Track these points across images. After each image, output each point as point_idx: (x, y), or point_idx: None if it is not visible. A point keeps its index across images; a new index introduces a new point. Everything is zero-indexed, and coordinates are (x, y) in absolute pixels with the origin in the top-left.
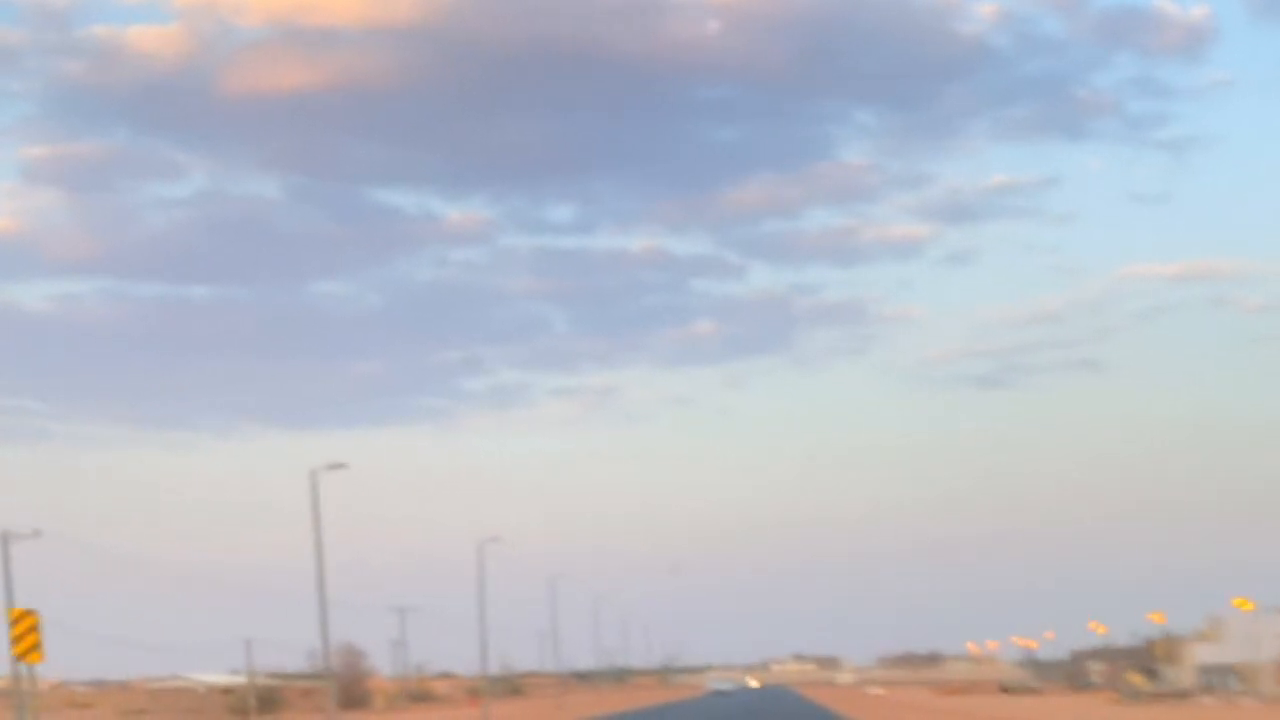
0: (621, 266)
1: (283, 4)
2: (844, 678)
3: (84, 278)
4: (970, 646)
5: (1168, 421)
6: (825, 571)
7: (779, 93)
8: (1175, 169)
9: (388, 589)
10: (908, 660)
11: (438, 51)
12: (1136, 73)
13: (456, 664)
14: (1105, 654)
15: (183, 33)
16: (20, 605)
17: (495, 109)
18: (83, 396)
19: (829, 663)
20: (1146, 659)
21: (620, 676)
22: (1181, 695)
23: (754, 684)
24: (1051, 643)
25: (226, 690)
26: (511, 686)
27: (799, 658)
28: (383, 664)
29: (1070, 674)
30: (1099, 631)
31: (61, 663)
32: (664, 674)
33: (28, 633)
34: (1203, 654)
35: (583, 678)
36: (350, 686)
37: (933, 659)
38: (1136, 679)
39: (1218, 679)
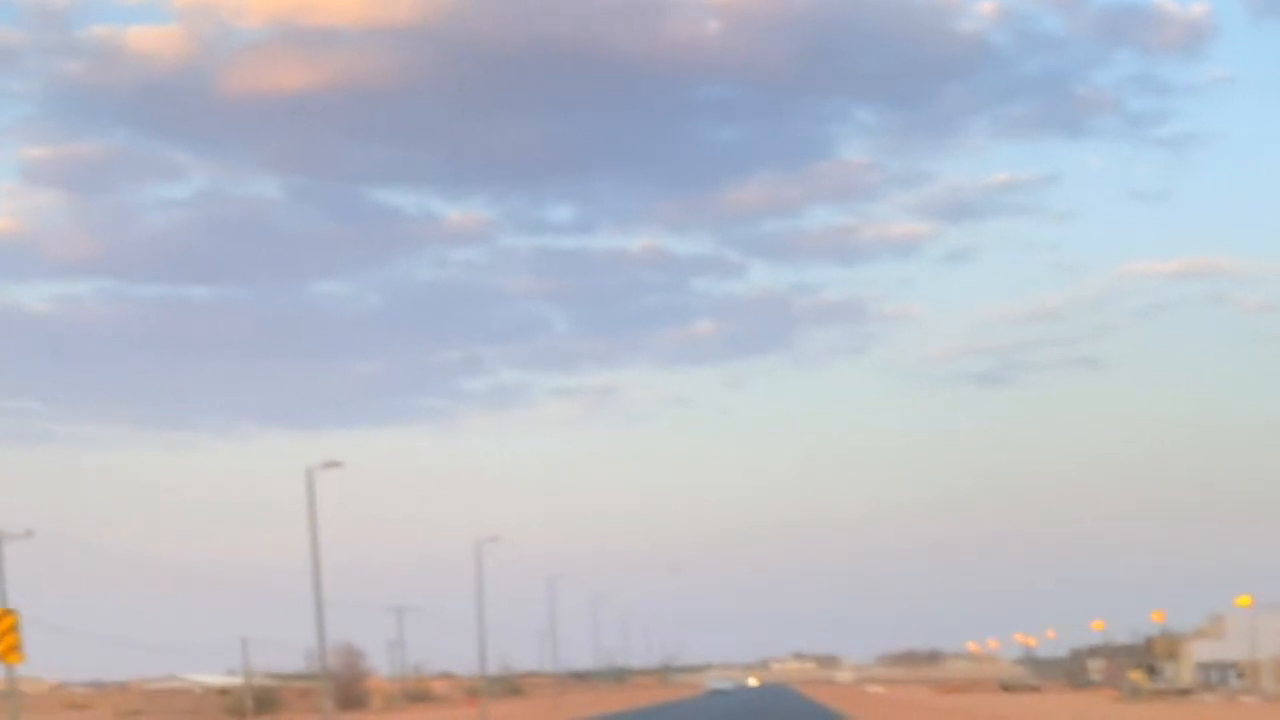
0: (621, 266)
1: (283, 4)
2: (844, 676)
3: (84, 278)
4: (970, 645)
5: (1168, 421)
6: (825, 571)
7: (779, 92)
8: (1175, 166)
9: (387, 589)
10: (908, 659)
11: (438, 51)
12: (1136, 70)
13: (455, 664)
14: (1105, 652)
15: (183, 33)
16: (17, 605)
17: (495, 109)
18: (83, 397)
19: (829, 661)
20: (1147, 657)
21: (619, 676)
22: (1182, 693)
23: (754, 683)
24: (1052, 641)
25: (223, 691)
26: (510, 686)
27: (799, 656)
28: (381, 664)
29: (1071, 672)
30: (1099, 629)
31: (61, 664)
32: (663, 674)
33: (8, 632)
34: (1203, 651)
35: (582, 678)
36: (348, 686)
37: (933, 657)
38: (1137, 676)
39: (1218, 676)
